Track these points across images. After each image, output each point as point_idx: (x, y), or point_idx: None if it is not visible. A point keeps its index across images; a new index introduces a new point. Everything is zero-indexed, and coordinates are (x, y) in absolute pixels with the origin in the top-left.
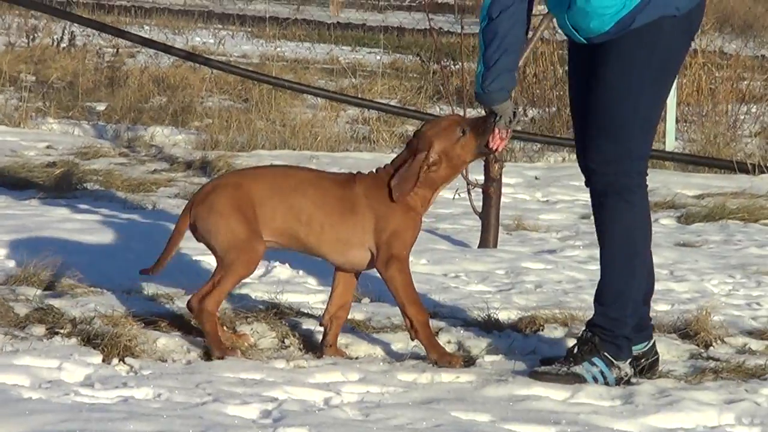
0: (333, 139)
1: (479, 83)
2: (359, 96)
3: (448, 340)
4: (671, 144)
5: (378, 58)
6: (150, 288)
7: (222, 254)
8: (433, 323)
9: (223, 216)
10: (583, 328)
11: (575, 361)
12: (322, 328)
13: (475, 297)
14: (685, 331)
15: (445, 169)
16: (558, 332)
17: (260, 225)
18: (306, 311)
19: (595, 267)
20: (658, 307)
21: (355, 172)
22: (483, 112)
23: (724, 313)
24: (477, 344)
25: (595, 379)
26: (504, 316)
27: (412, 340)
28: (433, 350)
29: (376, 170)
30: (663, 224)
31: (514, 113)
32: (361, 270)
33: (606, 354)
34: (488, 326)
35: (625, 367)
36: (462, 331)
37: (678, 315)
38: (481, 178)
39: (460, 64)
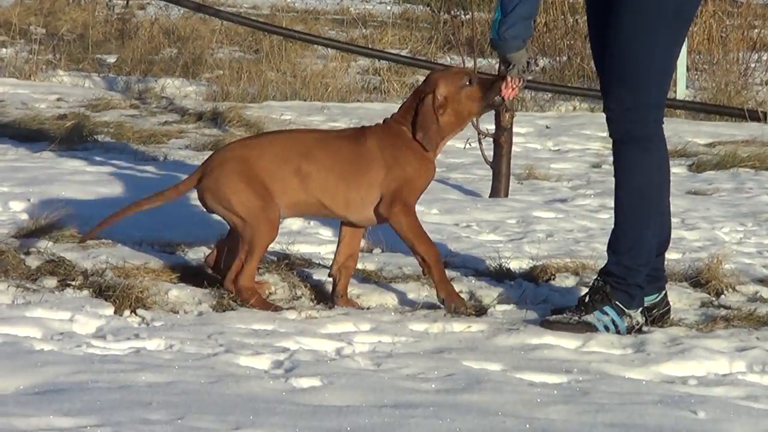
0: (344, 90)
1: (495, 30)
2: (369, 46)
3: (459, 289)
4: (682, 92)
5: (388, 8)
6: (163, 238)
7: (241, 228)
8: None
9: (234, 191)
10: (595, 277)
11: (586, 309)
12: (331, 279)
13: (486, 246)
14: (697, 280)
15: (449, 116)
16: (569, 281)
17: (275, 198)
18: (317, 262)
19: (607, 216)
20: (670, 256)
21: (360, 125)
22: (495, 64)
23: (735, 261)
24: (488, 293)
25: (606, 328)
26: (515, 265)
27: (425, 275)
28: (443, 288)
29: (384, 121)
30: (674, 172)
31: (528, 63)
32: (379, 223)
33: (618, 303)
34: (500, 275)
35: (637, 316)
36: (473, 281)
37: (689, 263)
38: (492, 127)
39: (470, 13)
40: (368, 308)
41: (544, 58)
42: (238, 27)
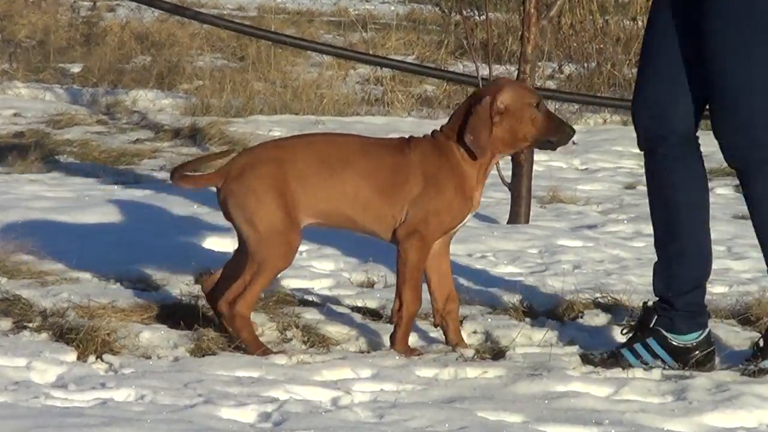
0: (341, 102)
1: None
2: (371, 52)
3: (474, 329)
4: None
5: (392, 8)
6: (132, 274)
7: (255, 245)
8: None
9: (261, 199)
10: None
11: (763, 354)
12: (435, 334)
13: (504, 280)
14: (745, 316)
15: (502, 130)
16: (599, 320)
17: (302, 206)
18: (311, 299)
19: (642, 244)
20: (714, 289)
21: (407, 136)
22: (514, 71)
23: None
24: (507, 334)
25: None
26: (537, 301)
27: (390, 323)
28: (401, 342)
29: (432, 133)
30: (719, 194)
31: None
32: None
33: None
34: (519, 314)
35: None
36: (490, 320)
37: (737, 298)
38: None
39: (485, 14)
40: (368, 352)
41: (570, 65)
42: (221, 31)
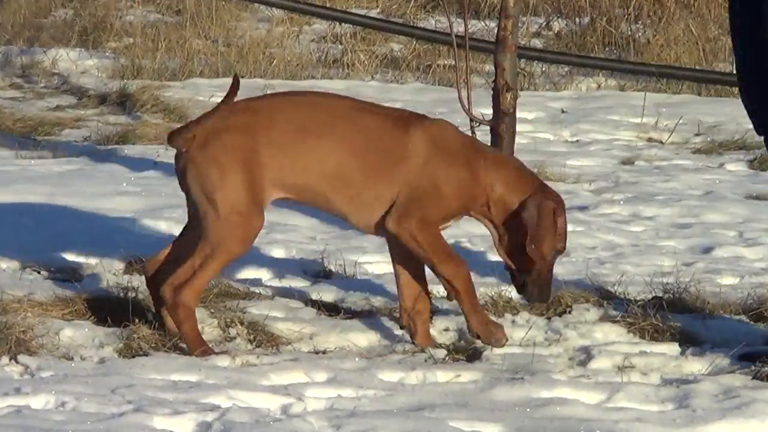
0: (294, 63)
1: None
2: (328, 5)
3: (445, 326)
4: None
5: None
6: (52, 262)
7: (211, 225)
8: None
9: (224, 173)
10: None
11: None
12: (401, 332)
13: (482, 269)
14: (759, 311)
15: (501, 211)
16: (591, 315)
17: (271, 177)
18: (258, 291)
19: (641, 228)
20: (724, 280)
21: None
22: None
23: None
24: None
25: None
26: (519, 294)
27: (450, 300)
28: (475, 318)
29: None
30: (730, 170)
31: None
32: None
33: None
34: (499, 308)
35: None
36: (463, 315)
37: (749, 290)
38: (488, 111)
39: None
40: (324, 352)
41: (560, 20)
42: None
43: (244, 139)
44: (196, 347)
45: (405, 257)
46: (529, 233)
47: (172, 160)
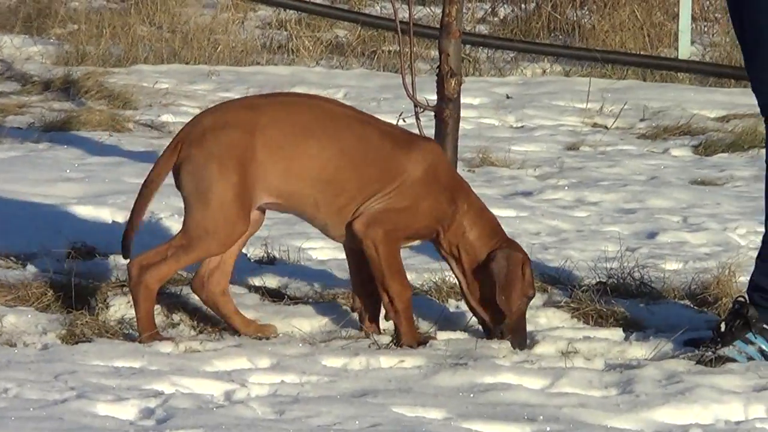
0: (238, 49)
1: None
2: None
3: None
4: (686, 50)
5: None
6: None
7: (195, 220)
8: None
9: (219, 170)
10: (735, 297)
11: (724, 340)
12: (355, 315)
13: (424, 254)
14: (702, 297)
15: (468, 256)
16: (535, 300)
17: (264, 181)
18: None
19: (585, 214)
20: (668, 266)
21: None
22: (438, 13)
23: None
24: (427, 317)
25: (751, 360)
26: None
27: (386, 320)
28: (409, 340)
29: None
30: (675, 156)
31: None
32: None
33: (766, 326)
34: (442, 294)
35: None
36: None
37: (693, 275)
38: (432, 97)
39: None
40: (267, 338)
41: (505, 6)
42: None
43: (241, 137)
44: (146, 330)
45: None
46: (498, 285)
47: (116, 146)
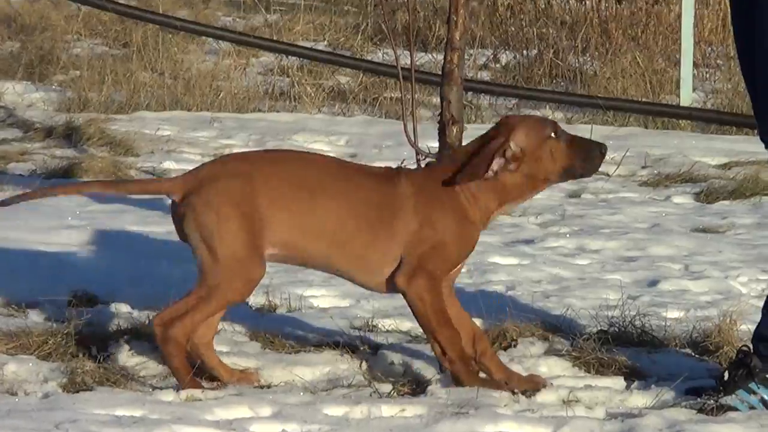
0: (240, 96)
1: None
2: (275, 38)
3: (390, 361)
4: (688, 97)
5: None
6: None
7: (208, 269)
8: (372, 337)
9: (223, 219)
10: (739, 347)
11: (726, 389)
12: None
13: None
14: (704, 345)
15: (521, 176)
16: (536, 348)
17: (267, 235)
18: None
19: (586, 262)
20: (669, 314)
21: (396, 165)
22: (439, 60)
23: (755, 321)
24: (429, 366)
25: (752, 410)
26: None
27: (441, 371)
28: (470, 380)
29: (428, 165)
30: (677, 203)
31: None
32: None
33: None
34: None
35: None
36: (409, 349)
37: (694, 323)
38: (434, 144)
39: None
40: (269, 387)
41: (507, 52)
42: (102, 13)
43: (243, 188)
44: (185, 381)
45: (450, 306)
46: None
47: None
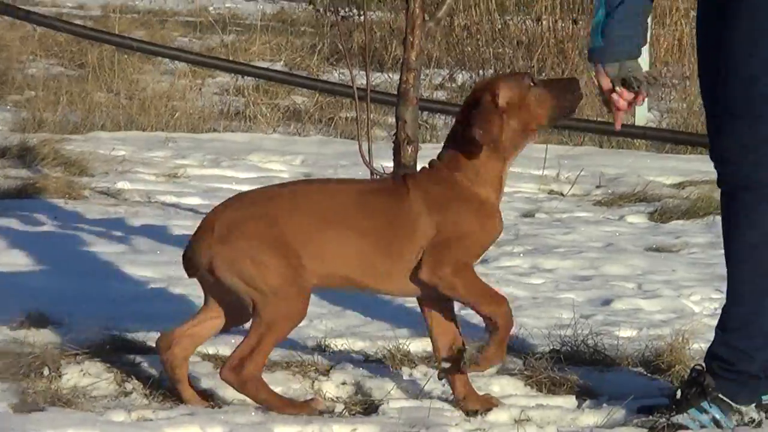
0: (196, 116)
1: (598, 34)
2: (231, 58)
3: (342, 380)
4: (642, 116)
5: (259, 7)
6: None
7: (260, 306)
8: (322, 359)
9: (258, 262)
10: (693, 365)
11: (678, 408)
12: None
13: (379, 323)
14: (656, 364)
15: (513, 129)
16: (490, 368)
17: (305, 269)
18: (154, 345)
19: (540, 281)
20: (622, 333)
21: (402, 174)
22: (395, 80)
23: (708, 339)
24: (380, 385)
25: (703, 428)
26: (417, 347)
27: (487, 331)
28: (498, 349)
29: (429, 164)
30: (631, 222)
31: (649, 77)
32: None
33: (722, 396)
34: (396, 361)
35: (750, 412)
36: (361, 368)
37: (647, 342)
38: (389, 164)
39: (364, 14)
40: (220, 406)
41: (464, 72)
42: (58, 34)
43: (269, 230)
44: (284, 408)
45: (434, 306)
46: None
47: (72, 213)
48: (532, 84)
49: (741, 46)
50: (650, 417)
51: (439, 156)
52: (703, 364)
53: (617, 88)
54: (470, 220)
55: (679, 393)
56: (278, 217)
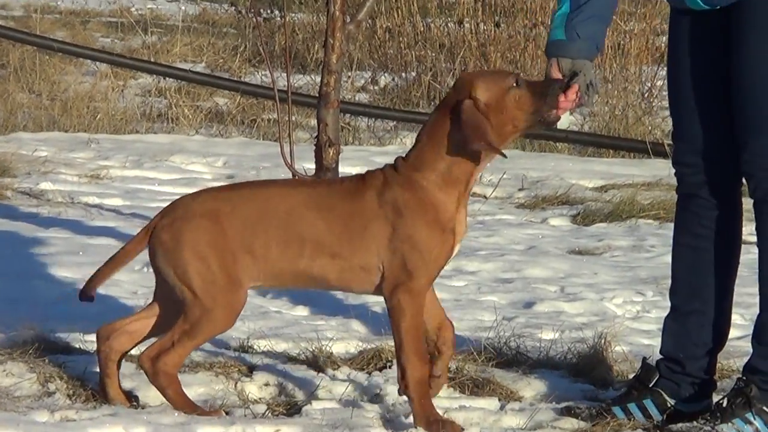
0: (118, 117)
1: (561, 27)
2: (153, 60)
3: (266, 381)
4: (565, 120)
5: (181, 8)
6: None
7: (189, 304)
8: (245, 360)
9: (194, 258)
10: (738, 376)
11: (723, 417)
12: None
13: (301, 324)
14: (578, 366)
15: (492, 131)
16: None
17: (247, 268)
18: (78, 346)
19: (463, 283)
20: (545, 335)
21: (364, 171)
22: (316, 83)
23: (629, 342)
24: (303, 386)
25: None
26: (339, 349)
27: (400, 395)
28: (422, 417)
29: (393, 162)
30: (553, 225)
31: (592, 82)
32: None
33: (766, 409)
34: (318, 363)
35: None
36: (284, 370)
37: (569, 344)
38: (311, 166)
39: (284, 16)
40: (143, 407)
41: (386, 75)
42: None
43: (210, 226)
44: (187, 408)
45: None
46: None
47: None
48: (514, 84)
49: (752, 67)
50: (694, 423)
51: (406, 155)
52: (745, 378)
53: (572, 84)
54: (424, 227)
55: (725, 402)
56: (220, 217)
